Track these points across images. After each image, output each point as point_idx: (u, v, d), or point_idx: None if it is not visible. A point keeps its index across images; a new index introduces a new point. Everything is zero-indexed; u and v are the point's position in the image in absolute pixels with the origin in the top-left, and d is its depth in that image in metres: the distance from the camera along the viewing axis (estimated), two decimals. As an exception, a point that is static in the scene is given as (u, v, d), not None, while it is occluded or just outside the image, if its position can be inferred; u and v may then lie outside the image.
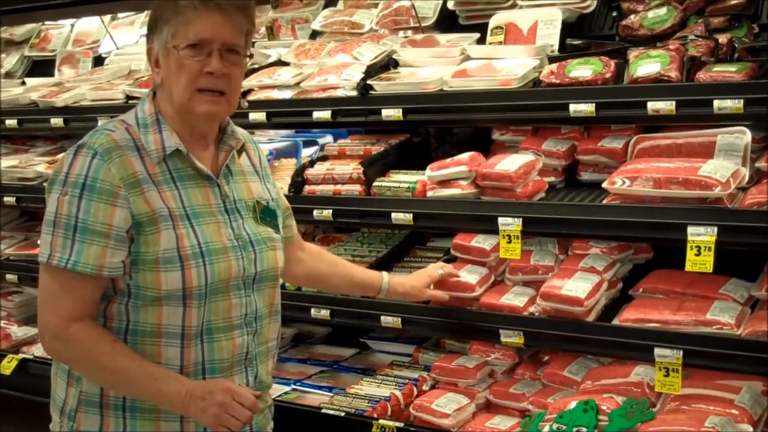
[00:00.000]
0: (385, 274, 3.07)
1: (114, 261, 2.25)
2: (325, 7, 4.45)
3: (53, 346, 2.33)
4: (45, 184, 4.38)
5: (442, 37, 3.79)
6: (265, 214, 2.53)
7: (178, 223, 2.30)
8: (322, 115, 3.52)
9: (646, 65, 2.93)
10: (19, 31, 5.69)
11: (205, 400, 2.21)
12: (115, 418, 2.35)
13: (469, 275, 3.23)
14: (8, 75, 5.55)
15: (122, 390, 2.33)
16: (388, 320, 3.35)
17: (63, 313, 2.26)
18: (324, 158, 3.76)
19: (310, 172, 3.58)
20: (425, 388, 3.42)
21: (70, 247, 2.23)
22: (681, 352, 2.75)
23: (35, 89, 4.79)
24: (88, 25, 5.44)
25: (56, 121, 4.44)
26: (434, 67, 3.48)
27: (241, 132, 2.59)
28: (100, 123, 4.18)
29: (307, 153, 3.98)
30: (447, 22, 3.94)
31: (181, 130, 2.38)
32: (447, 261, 3.41)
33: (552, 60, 3.25)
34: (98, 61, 5.21)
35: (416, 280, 3.13)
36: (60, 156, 4.59)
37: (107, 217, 2.23)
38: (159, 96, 2.41)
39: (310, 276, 2.97)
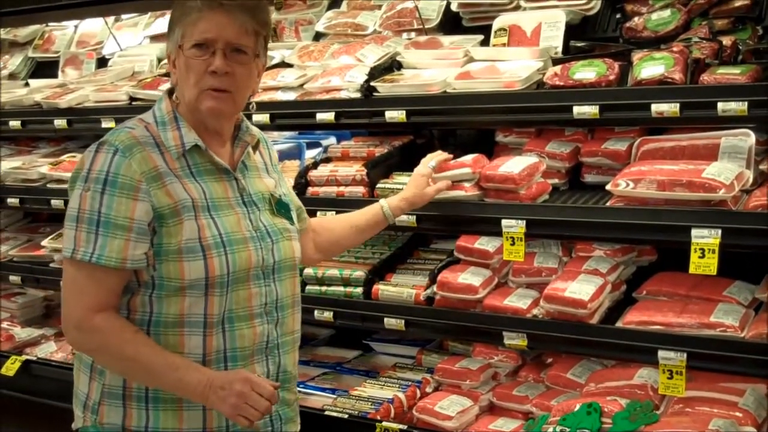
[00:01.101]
0: (382, 202, 3.02)
1: (136, 253, 2.30)
2: (329, 8, 4.45)
3: (77, 336, 2.36)
4: (48, 185, 4.45)
5: (446, 39, 3.79)
6: (280, 207, 2.59)
7: (199, 214, 2.36)
8: (326, 116, 3.52)
9: (650, 67, 2.92)
10: (23, 32, 5.70)
11: (224, 390, 2.26)
12: (138, 409, 2.39)
13: (473, 277, 3.22)
14: (12, 76, 5.56)
15: (144, 380, 2.36)
16: (392, 322, 3.35)
17: (87, 304, 2.31)
18: (327, 160, 3.76)
19: (313, 174, 3.58)
20: (428, 390, 3.42)
21: (93, 242, 2.28)
22: (685, 355, 2.75)
23: (39, 90, 4.79)
24: (92, 26, 5.44)
25: (60, 123, 4.45)
26: (438, 68, 3.48)
27: (255, 130, 2.65)
28: (103, 124, 4.19)
29: (310, 155, 3.98)
30: (450, 23, 3.94)
31: (197, 128, 2.44)
32: (450, 263, 3.41)
33: (556, 62, 3.24)
34: (102, 62, 5.21)
35: (414, 188, 3.06)
36: (64, 157, 4.62)
37: (129, 211, 2.28)
38: (176, 95, 2.48)
39: (324, 250, 2.98)
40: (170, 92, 2.51)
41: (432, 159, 3.15)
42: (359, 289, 3.48)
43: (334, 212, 3.41)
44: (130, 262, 2.30)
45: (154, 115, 2.46)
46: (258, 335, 2.46)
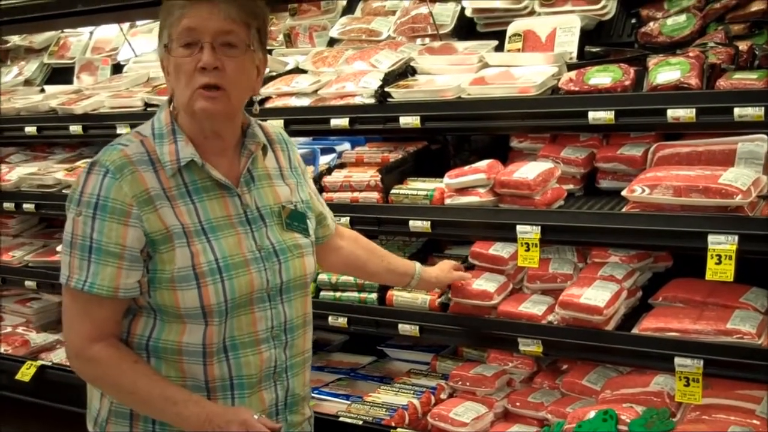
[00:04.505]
0: (417, 264, 3.09)
1: (129, 282, 2.23)
2: (343, 14, 4.45)
3: (77, 365, 2.32)
4: (64, 190, 4.48)
5: (460, 45, 3.78)
6: (293, 219, 2.45)
7: (193, 239, 2.24)
8: (340, 122, 3.52)
9: (666, 73, 2.91)
10: (39, 38, 5.73)
11: (221, 428, 2.18)
12: (144, 430, 2.33)
13: (488, 283, 3.22)
14: (27, 82, 5.59)
15: (143, 411, 2.30)
16: (406, 328, 3.35)
17: (84, 334, 2.25)
18: (342, 165, 3.76)
19: (327, 180, 3.58)
20: (443, 396, 3.42)
21: (86, 269, 2.21)
22: (701, 362, 2.74)
23: (54, 96, 4.81)
24: (107, 32, 5.47)
25: (75, 129, 4.46)
26: (452, 74, 3.48)
27: (272, 131, 2.54)
28: (118, 130, 4.21)
29: (324, 160, 3.98)
30: (465, 29, 3.94)
31: (196, 136, 2.31)
32: (465, 269, 3.39)
33: (571, 67, 3.24)
34: (117, 68, 5.23)
35: (443, 265, 3.20)
36: (79, 163, 4.64)
37: (120, 238, 2.20)
38: (174, 103, 2.36)
39: (349, 263, 2.93)
40: (171, 101, 2.37)
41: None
42: (374, 295, 3.48)
43: (348, 218, 3.42)
44: (122, 291, 2.22)
45: (152, 127, 2.34)
46: (265, 361, 2.35)
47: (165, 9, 2.28)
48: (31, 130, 4.67)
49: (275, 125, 2.58)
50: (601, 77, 3.03)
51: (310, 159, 3.97)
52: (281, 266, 2.37)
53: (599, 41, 3.55)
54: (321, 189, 3.58)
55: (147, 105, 4.25)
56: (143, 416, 2.32)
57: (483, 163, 3.23)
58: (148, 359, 2.31)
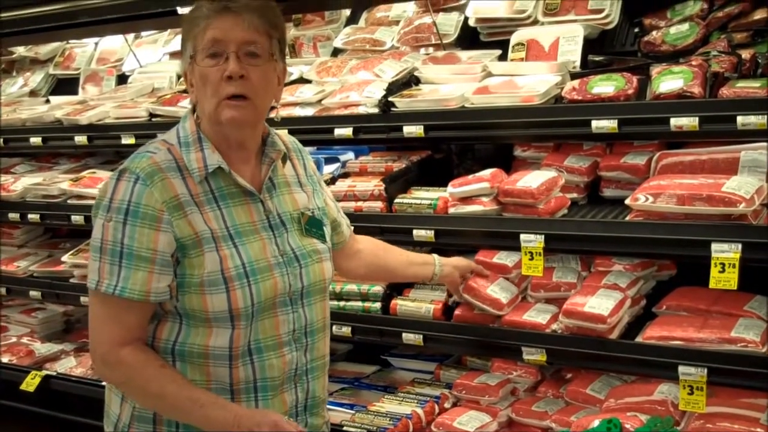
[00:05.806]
0: (435, 255, 3.11)
1: (160, 286, 2.26)
2: (347, 24, 4.46)
3: (103, 370, 2.34)
4: (69, 201, 4.48)
5: (464, 54, 3.79)
6: (311, 225, 2.50)
7: (221, 244, 2.29)
8: (344, 132, 3.53)
9: (669, 81, 2.92)
10: (44, 49, 5.75)
11: (251, 430, 2.20)
12: None
13: (502, 292, 3.21)
14: (33, 93, 5.61)
15: (170, 414, 2.32)
16: (410, 337, 3.35)
17: (112, 338, 2.27)
18: (345, 175, 3.77)
19: (331, 189, 3.58)
20: (447, 405, 3.41)
21: (117, 274, 2.24)
22: (705, 370, 2.73)
23: (59, 107, 4.83)
24: (112, 43, 5.49)
25: (80, 139, 4.48)
26: (456, 83, 3.48)
27: (287, 140, 2.60)
28: (123, 141, 4.22)
29: (328, 170, 3.98)
30: (468, 39, 3.95)
31: (220, 145, 2.37)
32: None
33: (574, 76, 3.24)
34: (122, 79, 5.25)
35: (463, 260, 3.20)
36: (84, 173, 4.65)
37: (151, 242, 2.24)
38: (198, 113, 2.40)
39: (371, 264, 2.97)
40: (195, 110, 2.42)
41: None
42: (377, 304, 3.48)
43: (352, 227, 3.42)
44: (153, 294, 2.26)
45: (177, 135, 2.38)
46: (287, 364, 2.39)
47: (189, 21, 2.33)
48: (36, 140, 4.69)
49: (288, 135, 2.65)
50: (604, 86, 3.03)
51: (314, 168, 3.97)
52: (302, 271, 2.42)
53: (602, 50, 3.56)
54: (325, 198, 3.59)
55: (152, 115, 4.27)
56: (167, 420, 2.34)
57: (486, 172, 3.23)
58: (173, 363, 2.33)
